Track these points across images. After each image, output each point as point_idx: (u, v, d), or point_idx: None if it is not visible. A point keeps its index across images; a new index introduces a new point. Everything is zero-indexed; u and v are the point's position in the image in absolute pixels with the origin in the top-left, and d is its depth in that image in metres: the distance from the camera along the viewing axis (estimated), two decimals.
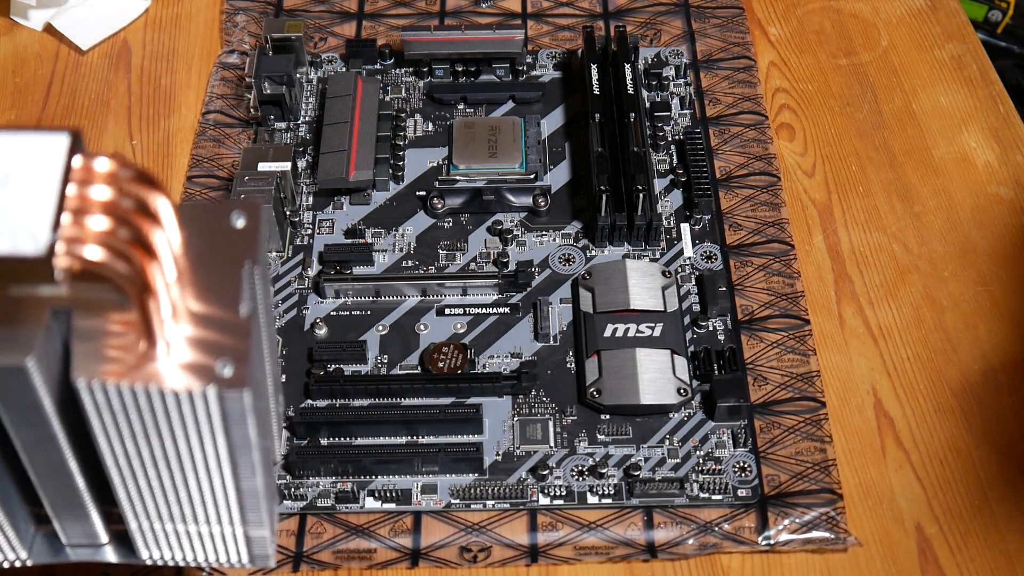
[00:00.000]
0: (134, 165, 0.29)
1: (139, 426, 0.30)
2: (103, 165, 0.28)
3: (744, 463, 0.48)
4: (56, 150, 0.28)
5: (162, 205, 0.29)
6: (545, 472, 0.47)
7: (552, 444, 0.48)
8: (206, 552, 0.35)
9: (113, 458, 0.31)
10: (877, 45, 0.66)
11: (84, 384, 0.28)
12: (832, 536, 0.46)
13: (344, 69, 0.64)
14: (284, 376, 0.51)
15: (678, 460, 0.48)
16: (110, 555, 0.36)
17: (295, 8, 0.68)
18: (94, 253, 0.27)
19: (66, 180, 0.27)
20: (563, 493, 0.47)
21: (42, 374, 0.29)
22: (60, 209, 0.27)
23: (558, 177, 0.58)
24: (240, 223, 0.31)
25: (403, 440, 0.48)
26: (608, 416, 0.49)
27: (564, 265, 0.55)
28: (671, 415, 0.49)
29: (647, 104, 0.61)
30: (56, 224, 0.27)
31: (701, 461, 0.48)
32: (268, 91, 0.60)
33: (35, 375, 0.29)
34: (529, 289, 0.54)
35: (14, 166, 0.27)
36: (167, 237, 0.29)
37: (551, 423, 0.49)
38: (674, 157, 0.59)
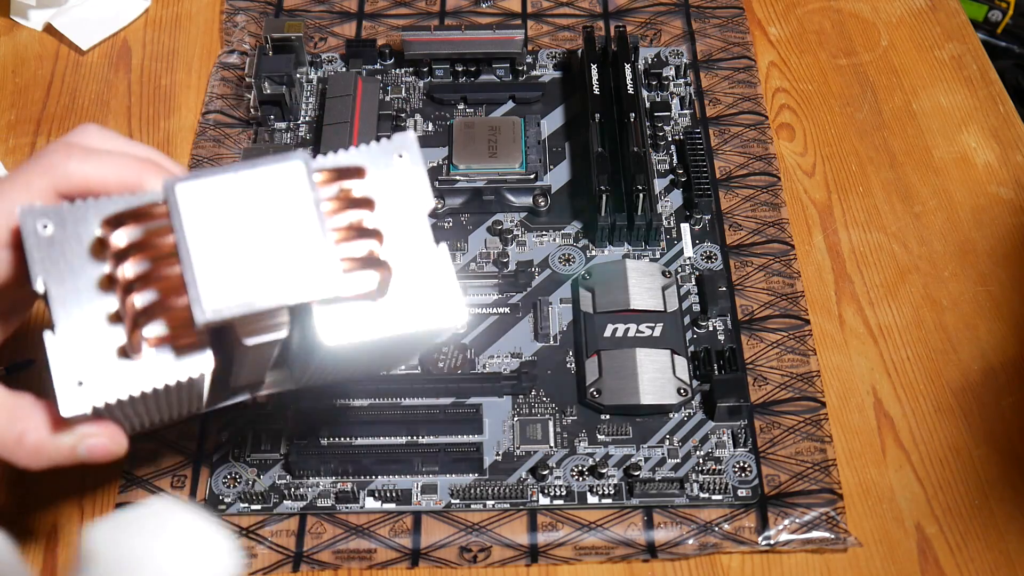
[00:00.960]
0: (337, 168, 0.33)
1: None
2: (325, 178, 0.33)
3: (744, 463, 0.48)
4: (297, 175, 0.32)
5: (361, 187, 0.34)
6: (545, 472, 0.47)
7: (552, 444, 0.48)
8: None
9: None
10: (877, 45, 0.66)
11: (331, 345, 0.33)
12: (832, 536, 0.46)
13: (344, 69, 0.64)
14: None
15: (678, 460, 0.48)
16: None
17: (295, 8, 0.68)
18: (359, 254, 0.32)
19: (318, 206, 0.32)
20: (563, 493, 0.47)
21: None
22: (324, 230, 0.31)
23: (558, 177, 0.58)
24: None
25: (403, 440, 0.48)
26: (608, 416, 0.49)
27: (564, 265, 0.55)
28: (671, 415, 0.49)
29: (647, 104, 0.61)
30: (331, 249, 0.31)
31: (701, 461, 0.48)
32: (268, 91, 0.60)
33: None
34: (529, 289, 0.54)
35: (267, 201, 0.31)
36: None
37: (551, 423, 0.49)
38: (674, 157, 0.59)
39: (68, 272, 0.32)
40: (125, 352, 0.32)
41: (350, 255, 0.32)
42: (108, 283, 0.32)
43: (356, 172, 0.33)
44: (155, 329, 0.32)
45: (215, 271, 0.30)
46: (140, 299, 0.31)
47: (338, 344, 0.33)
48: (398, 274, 0.34)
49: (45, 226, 0.32)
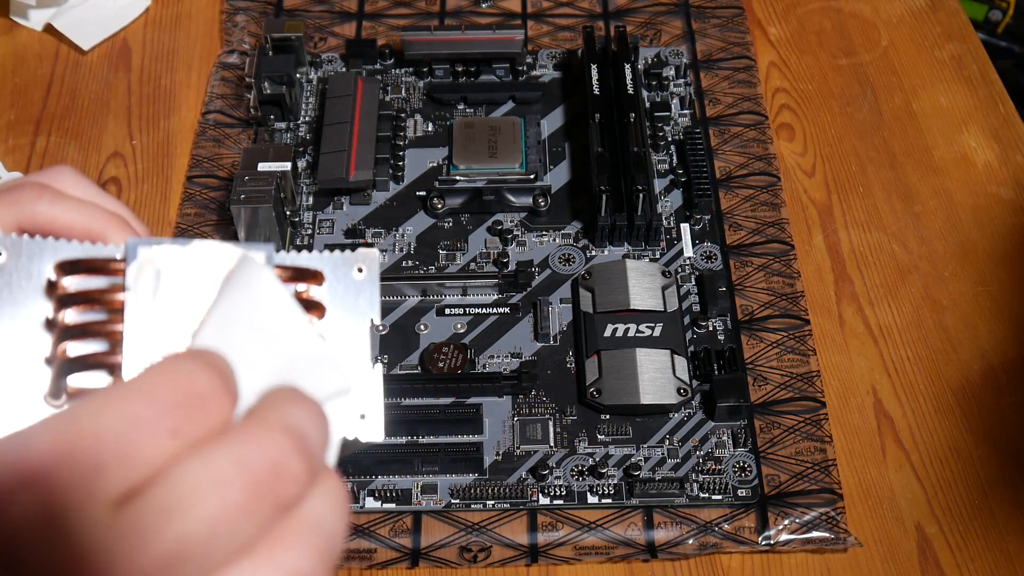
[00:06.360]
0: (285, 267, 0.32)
1: None
2: (283, 275, 0.32)
3: (744, 463, 0.48)
4: (257, 264, 0.31)
5: (319, 293, 0.34)
6: (545, 472, 0.47)
7: (552, 444, 0.48)
8: None
9: None
10: (877, 45, 0.66)
11: None
12: (832, 536, 0.46)
13: (344, 69, 0.64)
14: None
15: (678, 460, 0.48)
16: None
17: (295, 8, 0.68)
18: None
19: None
20: (563, 493, 0.47)
21: None
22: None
23: (558, 177, 0.58)
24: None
25: (403, 440, 0.48)
26: (608, 416, 0.49)
27: (564, 265, 0.55)
28: (671, 415, 0.49)
29: (647, 104, 0.61)
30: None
31: (701, 461, 0.48)
32: (268, 91, 0.60)
33: None
34: (529, 289, 0.54)
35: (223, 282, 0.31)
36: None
37: (551, 423, 0.49)
38: (674, 157, 0.59)
39: (11, 303, 0.32)
40: (44, 395, 0.32)
41: None
42: (49, 325, 0.32)
43: (315, 277, 0.34)
44: (81, 382, 0.32)
45: (152, 337, 0.30)
46: (74, 348, 0.31)
47: None
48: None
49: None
